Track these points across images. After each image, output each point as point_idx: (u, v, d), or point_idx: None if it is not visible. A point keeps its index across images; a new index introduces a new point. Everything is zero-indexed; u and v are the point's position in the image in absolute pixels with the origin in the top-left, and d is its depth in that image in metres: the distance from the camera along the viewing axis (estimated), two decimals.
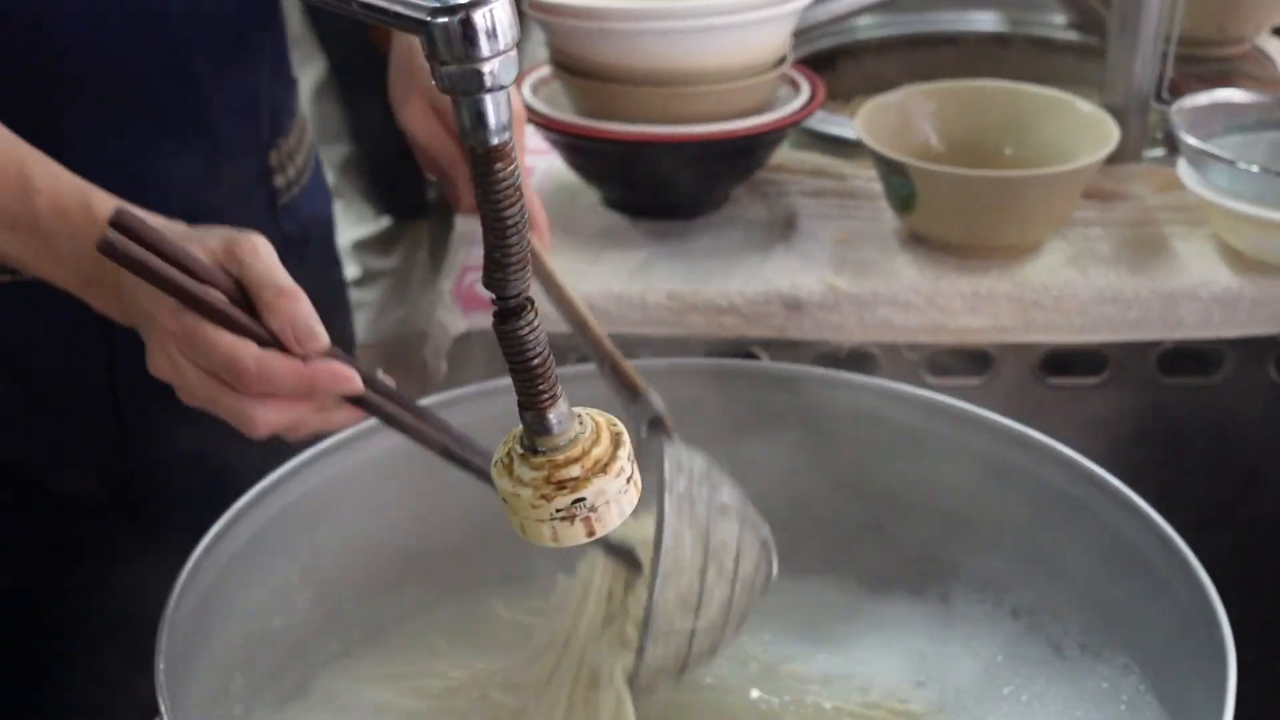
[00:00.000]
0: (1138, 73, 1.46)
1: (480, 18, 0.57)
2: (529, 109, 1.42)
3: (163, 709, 0.81)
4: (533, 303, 0.65)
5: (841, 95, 1.99)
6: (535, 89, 1.48)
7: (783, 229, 1.44)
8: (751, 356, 1.37)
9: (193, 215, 1.16)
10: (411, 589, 1.11)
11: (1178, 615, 0.94)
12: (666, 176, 1.42)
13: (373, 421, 1.05)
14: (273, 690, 1.04)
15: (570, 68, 1.41)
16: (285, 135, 1.34)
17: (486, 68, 0.58)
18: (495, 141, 0.60)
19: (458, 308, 1.37)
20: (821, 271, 1.36)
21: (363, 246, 2.96)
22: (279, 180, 1.33)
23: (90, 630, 1.30)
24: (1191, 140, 1.34)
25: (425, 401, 1.08)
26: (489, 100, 0.59)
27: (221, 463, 1.24)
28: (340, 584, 1.08)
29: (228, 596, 0.96)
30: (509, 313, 0.65)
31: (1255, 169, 1.30)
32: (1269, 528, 1.45)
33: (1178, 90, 1.52)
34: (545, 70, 1.49)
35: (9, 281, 1.19)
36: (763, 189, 1.51)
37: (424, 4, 0.58)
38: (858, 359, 1.38)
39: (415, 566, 1.11)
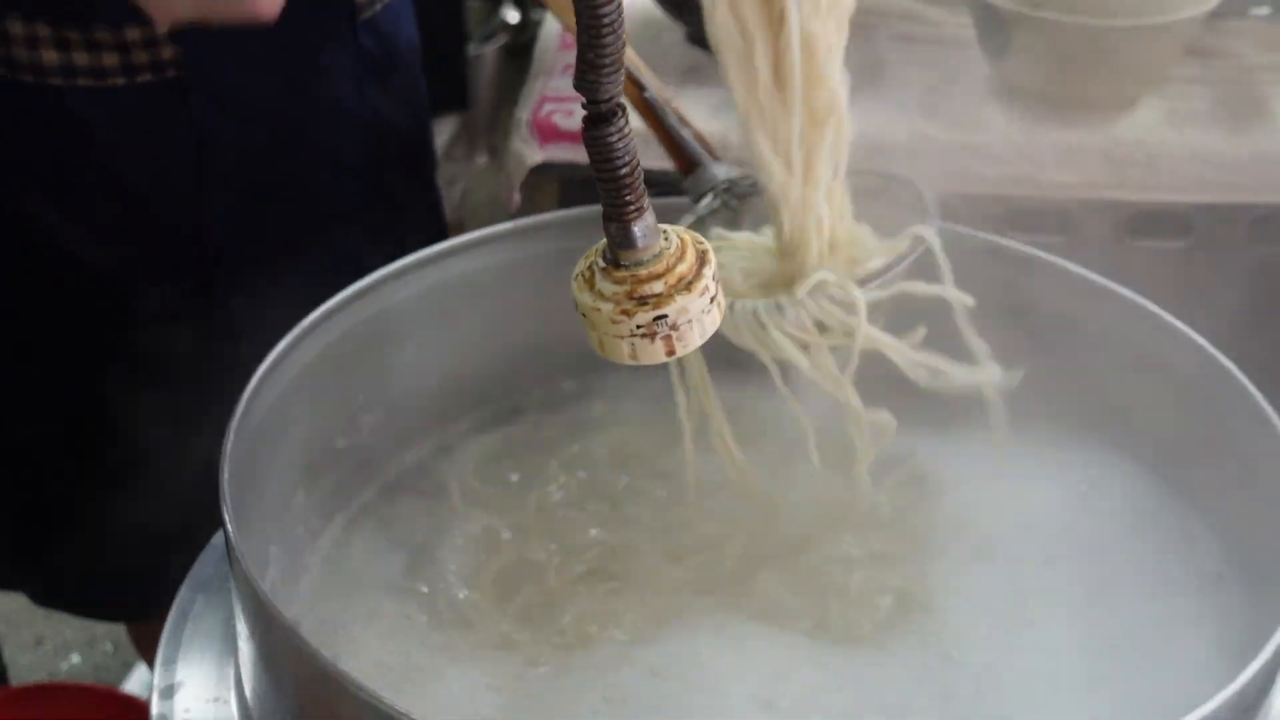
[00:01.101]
0: None
1: None
2: None
3: (226, 519, 0.79)
4: (624, 108, 0.62)
5: None
6: None
7: (869, 73, 1.39)
8: None
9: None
10: (478, 416, 1.09)
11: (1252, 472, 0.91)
12: None
13: (440, 248, 1.03)
14: (333, 510, 1.03)
15: None
16: None
17: None
18: None
19: (534, 139, 1.34)
20: (910, 118, 1.32)
21: None
22: None
23: (173, 450, 1.31)
24: None
25: (501, 228, 1.06)
26: None
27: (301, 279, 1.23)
28: (406, 408, 1.06)
29: (294, 412, 0.95)
30: (599, 118, 0.61)
31: None
32: None
33: None
34: None
35: (100, 87, 1.18)
36: (851, 31, 1.46)
37: None
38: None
39: (483, 394, 1.09)
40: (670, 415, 0.95)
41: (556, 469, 1.04)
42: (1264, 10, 1.47)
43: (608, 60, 0.60)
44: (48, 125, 1.22)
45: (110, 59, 1.20)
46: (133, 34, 1.19)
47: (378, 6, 1.30)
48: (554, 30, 1.47)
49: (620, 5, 0.59)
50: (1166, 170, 1.29)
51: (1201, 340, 0.98)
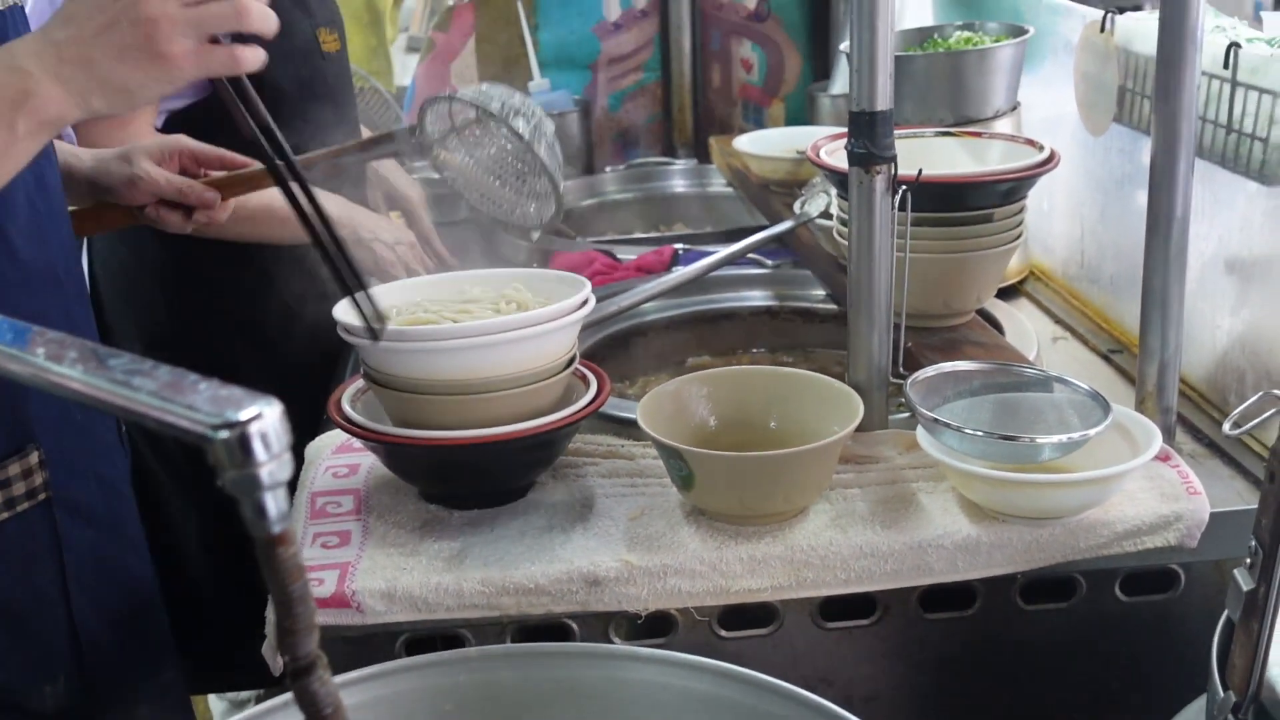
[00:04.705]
0: (875, 352, 1.54)
1: (255, 430, 0.61)
2: (348, 420, 1.46)
3: None
4: (323, 658, 0.68)
5: (634, 374, 2.07)
6: (353, 400, 1.52)
7: (581, 510, 1.48)
8: (564, 629, 1.41)
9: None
10: None
11: None
12: (475, 473, 1.47)
13: None
14: None
15: (382, 382, 1.45)
16: None
17: (264, 470, 0.62)
18: (277, 530, 0.63)
19: None
20: (616, 548, 1.40)
21: None
22: None
23: None
24: (924, 410, 1.42)
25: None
26: (269, 496, 0.63)
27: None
28: None
29: None
30: (300, 671, 0.67)
31: (980, 433, 1.38)
32: None
33: (913, 361, 1.61)
34: (362, 382, 1.53)
35: None
36: (564, 472, 1.56)
37: (205, 420, 0.62)
38: (659, 620, 1.42)
39: None
40: None
41: None
42: (904, 415, 1.62)
43: (302, 624, 0.66)
44: None
45: None
46: (12, 469, 1.27)
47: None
48: (302, 502, 1.53)
49: (305, 581, 0.66)
50: (839, 567, 1.39)
51: None
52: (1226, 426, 1.08)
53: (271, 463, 0.62)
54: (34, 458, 1.36)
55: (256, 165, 1.63)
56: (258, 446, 0.61)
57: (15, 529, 1.34)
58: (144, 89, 1.18)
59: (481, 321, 1.42)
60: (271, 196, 1.91)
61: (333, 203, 1.98)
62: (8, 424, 1.33)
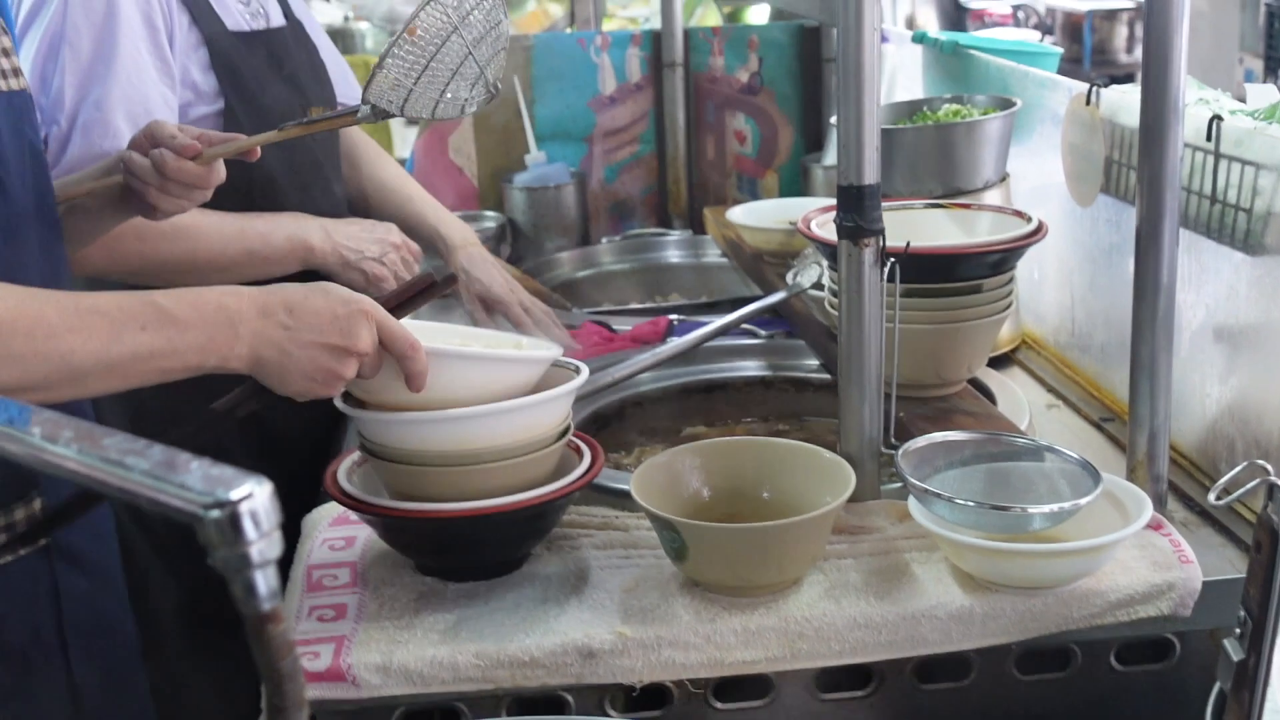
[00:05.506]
0: (867, 422, 1.55)
1: (246, 509, 0.62)
2: (343, 493, 1.47)
3: None
4: None
5: (627, 445, 2.07)
6: (349, 472, 1.52)
7: (575, 581, 1.48)
8: (559, 702, 1.40)
9: None
10: None
11: None
12: (470, 545, 1.47)
13: None
14: None
15: (378, 454, 1.46)
16: None
17: (254, 549, 0.63)
18: (267, 608, 0.64)
19: None
20: (610, 620, 1.40)
21: None
22: None
23: None
24: (915, 480, 1.43)
25: None
26: (259, 574, 0.63)
27: None
28: None
29: None
30: None
31: (971, 503, 1.39)
32: None
33: (905, 431, 1.62)
34: (358, 454, 1.54)
35: None
36: (558, 544, 1.56)
37: (197, 499, 0.62)
38: (654, 692, 1.42)
39: None
40: None
41: None
42: (897, 484, 1.62)
43: (291, 702, 0.67)
44: None
45: None
46: (17, 513, 1.31)
47: None
48: (298, 575, 1.54)
49: (295, 658, 0.66)
50: (833, 638, 1.39)
51: None
52: (1212, 496, 1.09)
53: (261, 541, 0.63)
54: (37, 504, 1.38)
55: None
56: (248, 525, 0.62)
57: (18, 572, 1.37)
58: (288, 389, 1.33)
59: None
60: (249, 241, 1.92)
61: (314, 232, 1.98)
62: (13, 468, 1.35)
